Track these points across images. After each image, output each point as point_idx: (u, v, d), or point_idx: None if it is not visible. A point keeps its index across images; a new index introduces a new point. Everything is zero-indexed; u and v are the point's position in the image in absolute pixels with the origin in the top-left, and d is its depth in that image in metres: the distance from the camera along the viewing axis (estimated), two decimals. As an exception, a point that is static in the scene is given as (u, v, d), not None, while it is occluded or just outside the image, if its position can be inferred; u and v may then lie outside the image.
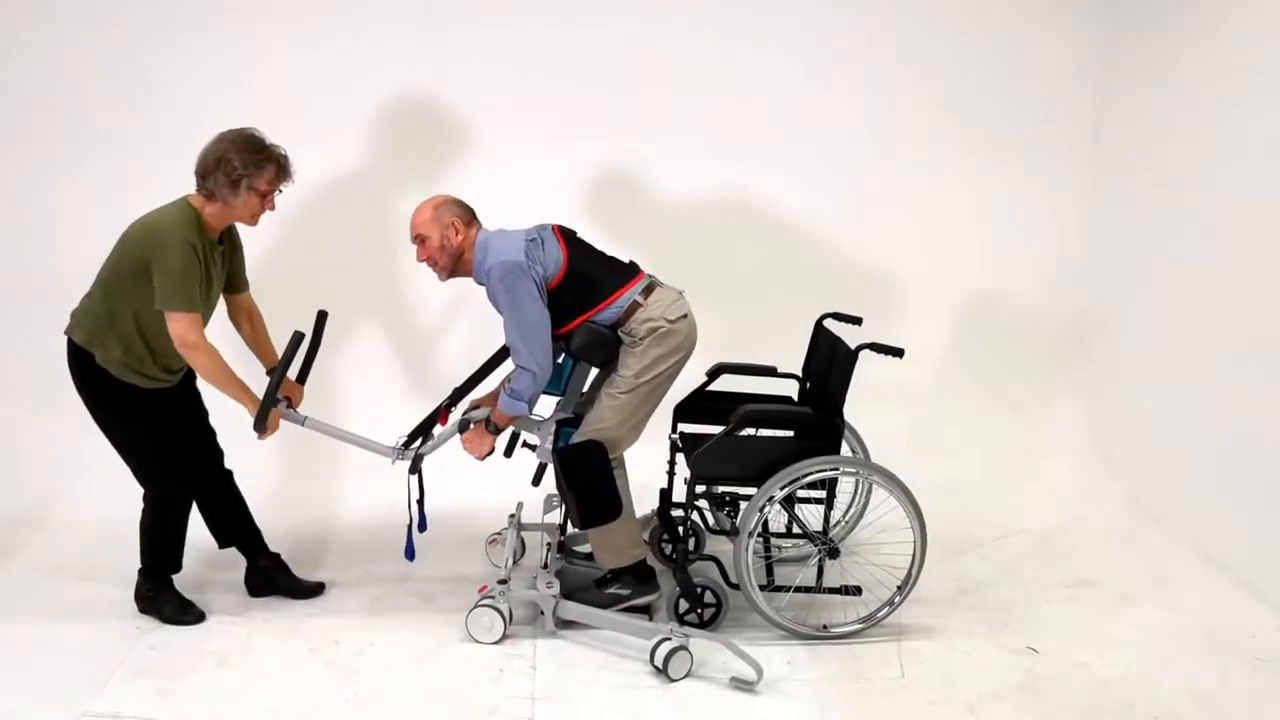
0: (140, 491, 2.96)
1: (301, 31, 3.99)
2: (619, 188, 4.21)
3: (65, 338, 2.83)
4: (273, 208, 2.83)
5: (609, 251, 3.04)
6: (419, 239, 2.90)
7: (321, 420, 2.96)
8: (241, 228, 2.95)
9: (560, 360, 3.03)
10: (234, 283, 3.01)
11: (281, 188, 2.83)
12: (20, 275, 3.97)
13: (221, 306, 3.04)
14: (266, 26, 3.97)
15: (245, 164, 2.70)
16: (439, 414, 3.09)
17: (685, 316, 2.92)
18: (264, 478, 3.92)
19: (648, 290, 2.91)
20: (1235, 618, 3.16)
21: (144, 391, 2.83)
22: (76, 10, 3.88)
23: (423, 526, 3.06)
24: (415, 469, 3.00)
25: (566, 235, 2.96)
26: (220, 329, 3.02)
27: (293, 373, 3.01)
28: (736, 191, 4.26)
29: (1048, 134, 4.33)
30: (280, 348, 2.94)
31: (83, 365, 2.80)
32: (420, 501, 3.05)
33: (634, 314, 2.88)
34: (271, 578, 3.18)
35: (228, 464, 3.18)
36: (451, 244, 2.88)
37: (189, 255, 2.67)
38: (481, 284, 2.90)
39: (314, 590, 3.20)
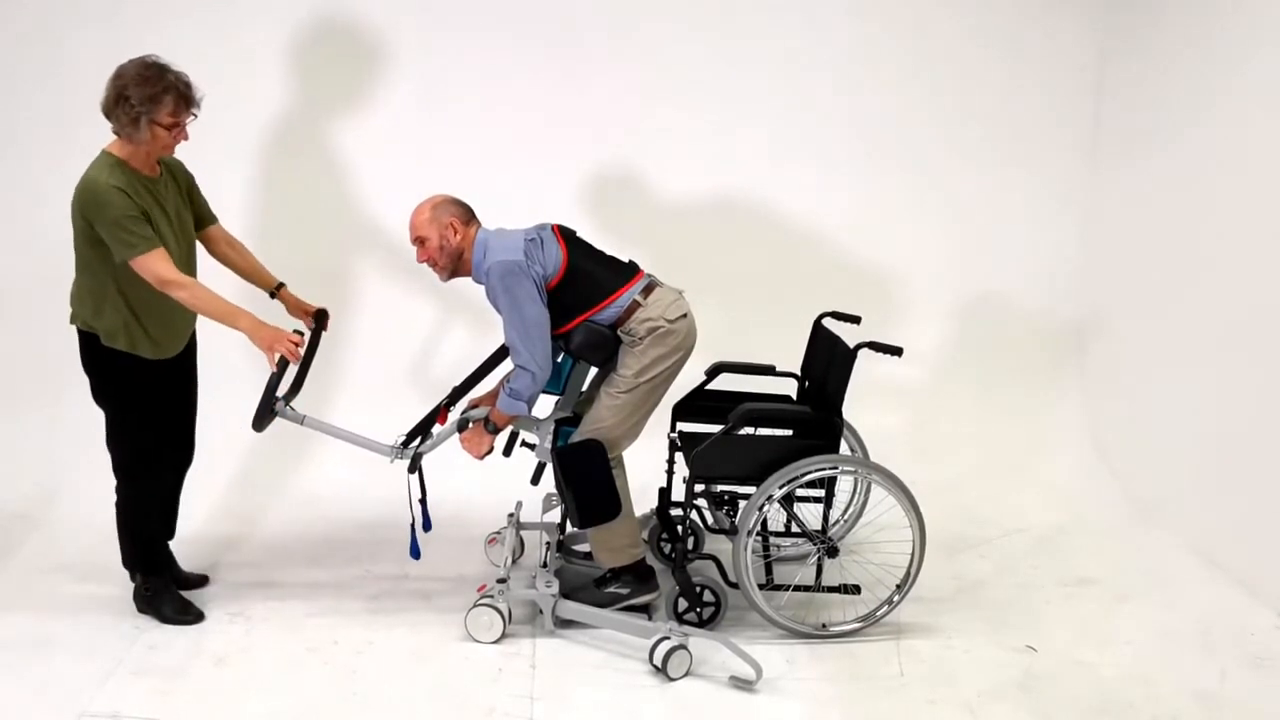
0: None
1: (292, 21, 4.00)
2: (618, 187, 4.21)
3: (73, 329, 2.80)
4: (185, 138, 2.70)
5: (608, 251, 3.04)
6: (418, 240, 2.90)
7: (320, 419, 2.96)
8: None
9: (559, 359, 3.02)
10: (200, 218, 2.95)
11: (193, 113, 2.66)
12: (18, 274, 3.96)
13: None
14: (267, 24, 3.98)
15: (142, 100, 2.55)
16: (438, 413, 3.09)
17: (685, 316, 2.92)
18: (262, 477, 3.93)
19: (647, 290, 2.91)
20: (1233, 617, 3.17)
21: (150, 370, 2.79)
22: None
23: (427, 525, 3.05)
24: (414, 468, 2.99)
25: (566, 235, 2.96)
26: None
27: (290, 374, 3.00)
28: (735, 191, 4.27)
29: (1045, 134, 4.34)
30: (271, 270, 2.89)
31: (92, 352, 2.77)
32: (423, 500, 3.05)
33: (634, 314, 2.88)
34: None
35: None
36: (450, 244, 2.87)
37: (121, 199, 2.57)
38: (481, 283, 2.90)
39: (199, 582, 3.18)
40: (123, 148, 2.67)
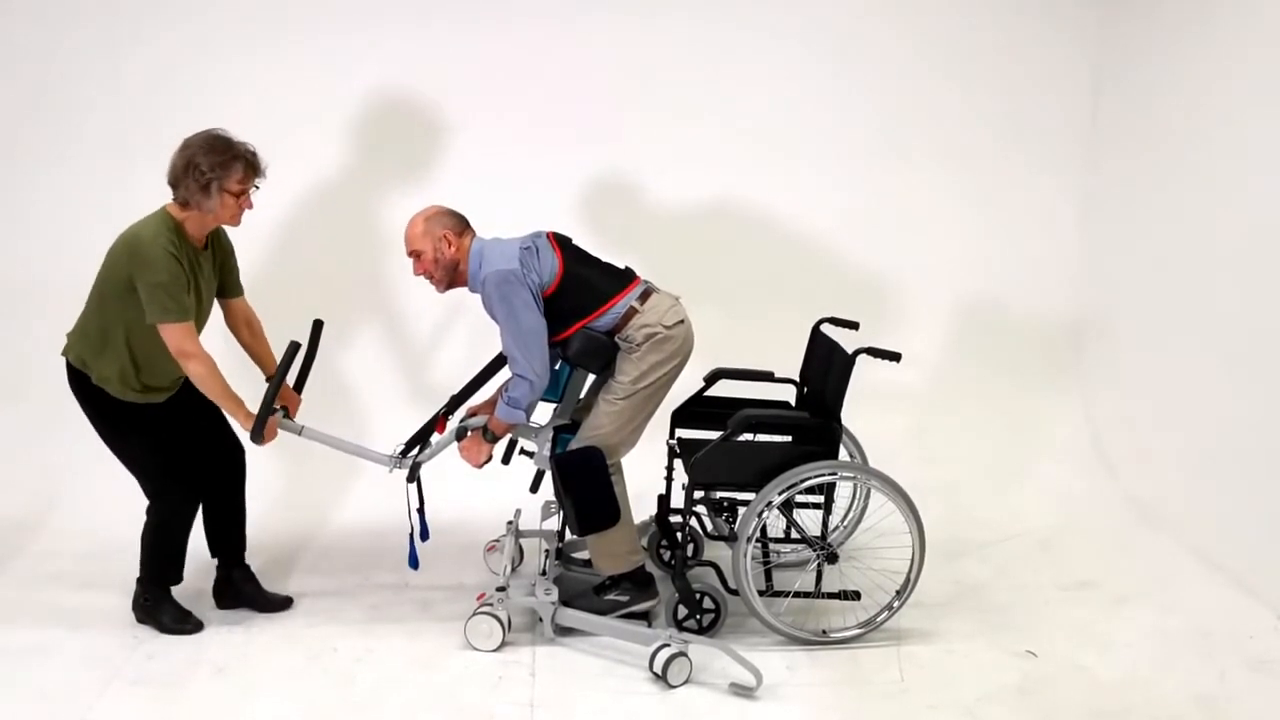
0: (140, 501, 2.95)
1: (289, 33, 4.01)
2: (615, 193, 4.21)
3: (63, 359, 2.82)
4: (250, 206, 2.78)
5: (605, 258, 3.04)
6: (413, 254, 2.91)
7: (318, 429, 2.96)
8: (233, 233, 2.94)
9: (557, 367, 3.03)
10: (228, 288, 2.99)
11: (256, 184, 2.77)
12: (19, 284, 3.97)
13: (219, 314, 3.03)
14: (255, 34, 3.99)
15: (212, 166, 2.65)
16: (436, 422, 3.09)
17: (682, 322, 2.92)
18: (261, 485, 3.89)
19: (644, 296, 2.92)
20: (1232, 619, 3.17)
21: (142, 410, 2.82)
22: (66, 19, 3.90)
23: (425, 535, 3.05)
24: (413, 477, 2.99)
25: (562, 242, 2.96)
26: (223, 339, 3.02)
27: (290, 382, 3.00)
28: (733, 197, 4.27)
29: (1043, 137, 4.35)
30: (279, 356, 2.92)
31: (81, 386, 2.80)
32: (421, 510, 3.04)
33: (631, 320, 2.88)
34: (241, 591, 3.13)
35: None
36: (445, 257, 2.88)
37: (172, 264, 2.64)
38: (477, 293, 2.90)
39: (282, 604, 3.16)
40: (182, 212, 2.72)
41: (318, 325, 3.08)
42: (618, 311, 2.88)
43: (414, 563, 3.05)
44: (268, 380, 3.05)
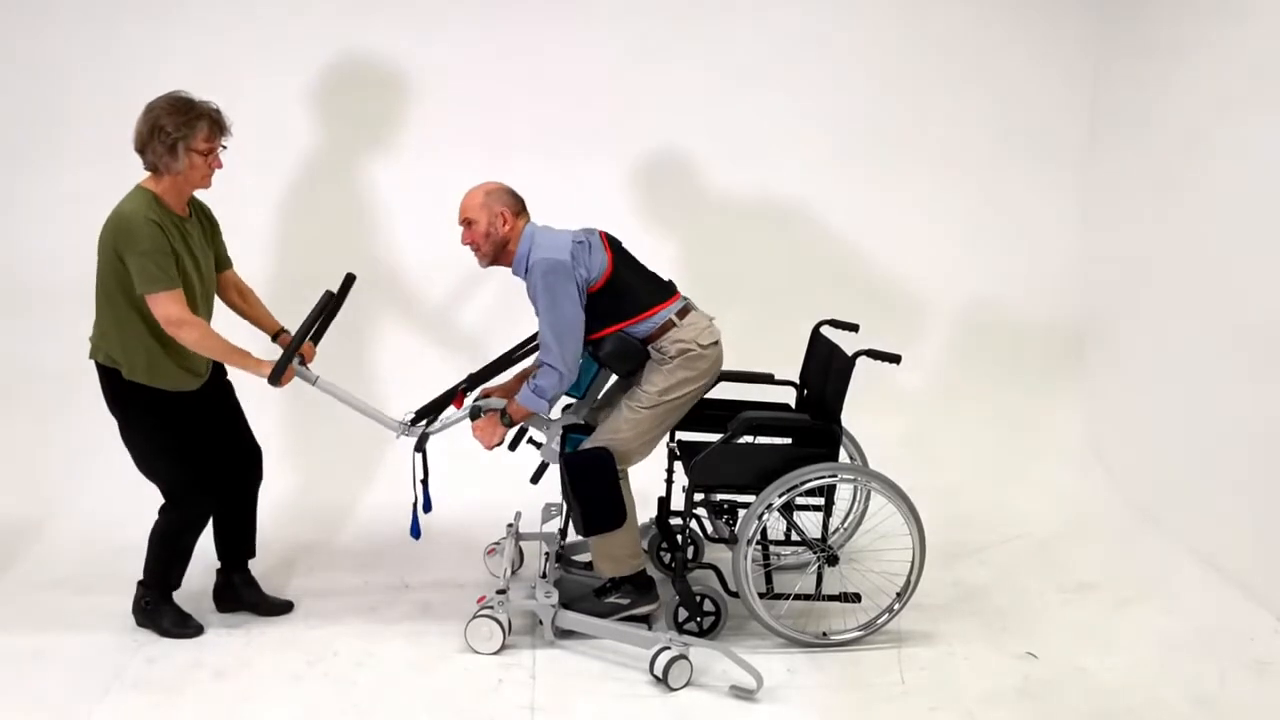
0: (143, 504, 2.94)
1: (294, 32, 4.00)
2: (613, 196, 4.21)
3: (83, 355, 2.81)
4: (220, 165, 2.77)
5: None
6: (466, 221, 2.92)
7: (333, 383, 2.93)
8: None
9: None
10: (218, 262, 2.98)
11: (223, 143, 2.77)
12: (18, 286, 3.96)
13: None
14: (262, 35, 3.99)
15: (177, 126, 2.64)
16: (452, 396, 3.08)
17: (716, 343, 2.95)
18: (262, 489, 3.90)
19: (683, 312, 2.95)
20: (1233, 621, 3.16)
21: (175, 401, 2.80)
22: (64, 21, 3.90)
23: (428, 506, 3.04)
24: (420, 447, 2.99)
25: (613, 243, 2.98)
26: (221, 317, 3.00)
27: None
28: (732, 199, 4.27)
29: (1042, 139, 4.34)
30: (278, 317, 2.90)
31: (113, 386, 2.79)
32: (425, 481, 3.04)
33: (667, 332, 2.90)
34: (241, 594, 3.13)
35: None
36: (497, 233, 2.90)
37: (154, 232, 2.63)
38: (520, 276, 2.91)
39: (282, 608, 3.15)
40: (157, 183, 2.72)
41: (349, 279, 3.05)
42: (656, 321, 2.90)
43: (416, 532, 3.04)
44: (273, 339, 3.06)
